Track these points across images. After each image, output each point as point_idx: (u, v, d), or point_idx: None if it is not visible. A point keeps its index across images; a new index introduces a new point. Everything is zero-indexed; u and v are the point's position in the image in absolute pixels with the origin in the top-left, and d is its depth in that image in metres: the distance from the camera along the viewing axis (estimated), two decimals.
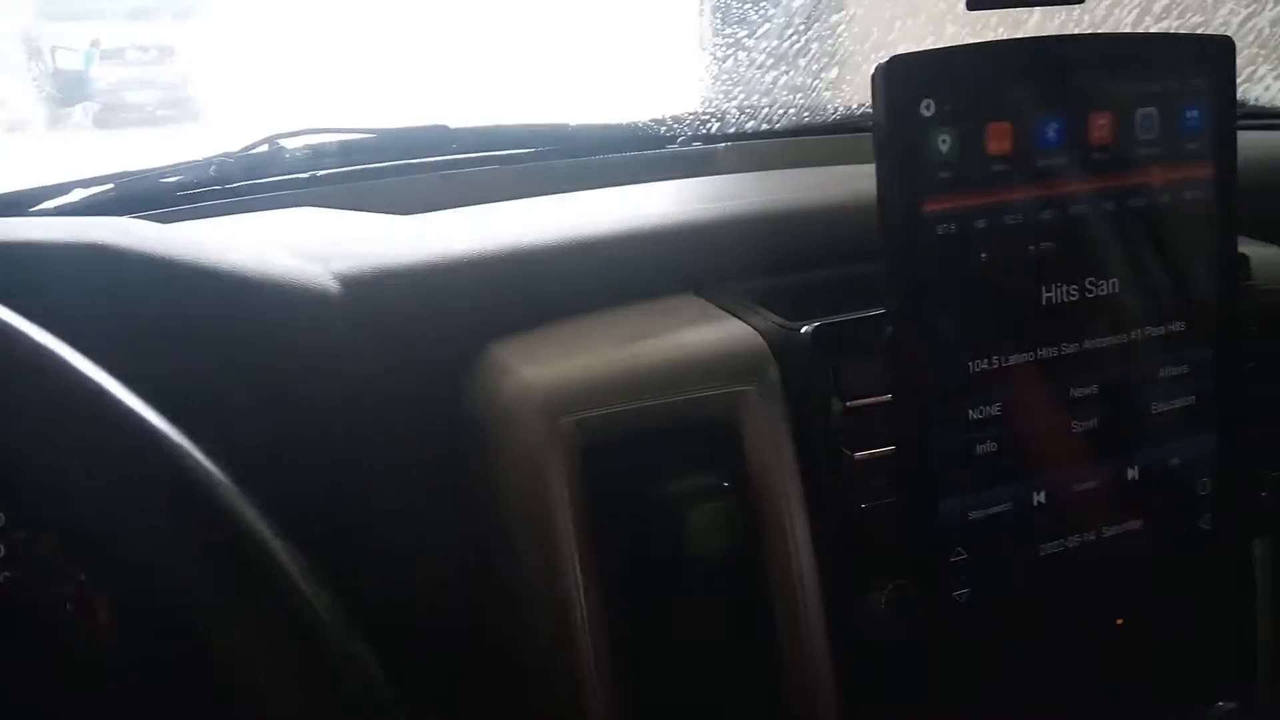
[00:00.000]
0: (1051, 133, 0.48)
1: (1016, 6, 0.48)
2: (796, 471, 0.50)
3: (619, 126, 0.99)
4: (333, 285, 0.51)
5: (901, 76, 0.45)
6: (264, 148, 0.85)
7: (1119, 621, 0.55)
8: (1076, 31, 0.70)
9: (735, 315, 0.53)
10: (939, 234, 0.47)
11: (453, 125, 0.92)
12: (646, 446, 0.48)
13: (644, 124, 0.99)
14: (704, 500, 0.48)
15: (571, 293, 0.56)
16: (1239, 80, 0.52)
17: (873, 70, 0.45)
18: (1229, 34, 0.51)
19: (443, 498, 0.52)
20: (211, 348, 0.48)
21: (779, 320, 0.52)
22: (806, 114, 1.01)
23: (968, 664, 0.51)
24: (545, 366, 0.50)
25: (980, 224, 0.47)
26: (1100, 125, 0.49)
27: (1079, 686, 0.55)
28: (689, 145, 0.99)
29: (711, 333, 0.52)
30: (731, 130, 1.00)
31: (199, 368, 0.45)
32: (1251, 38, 1.17)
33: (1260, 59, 1.07)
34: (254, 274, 0.51)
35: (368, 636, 0.33)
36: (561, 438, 0.47)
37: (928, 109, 0.46)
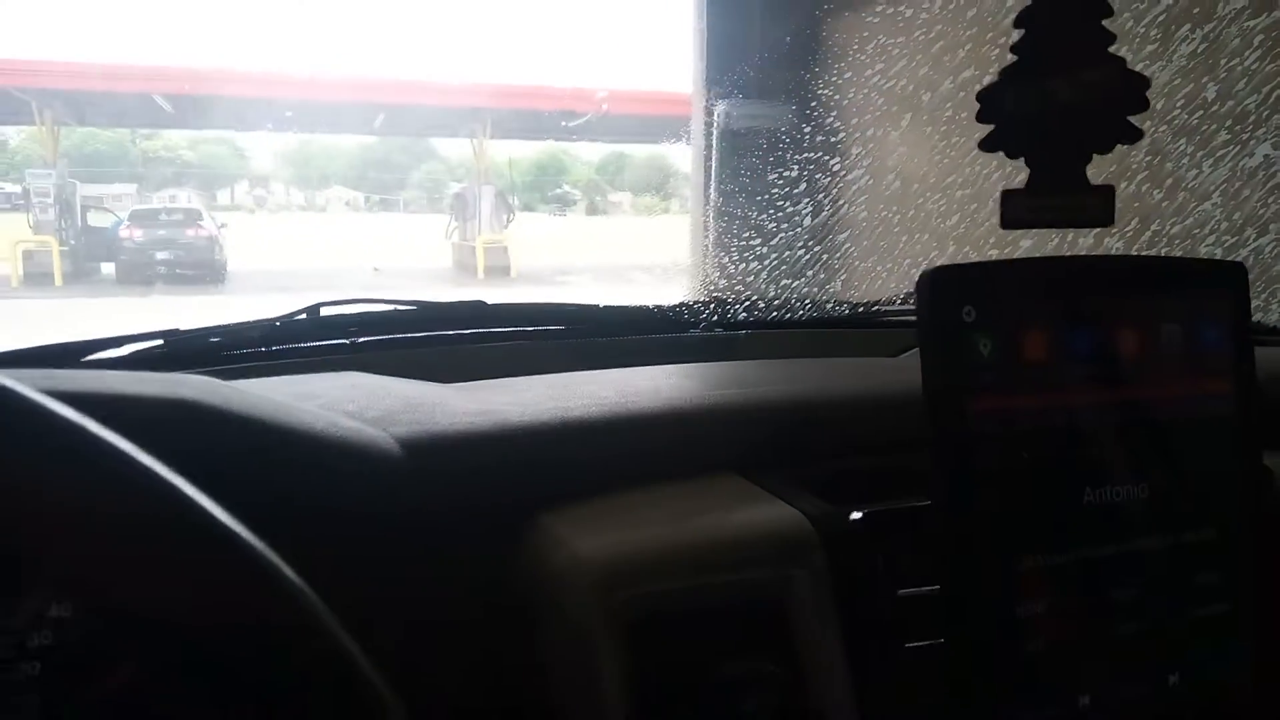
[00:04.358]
0: (1083, 343, 0.51)
1: (1048, 227, 0.53)
2: (845, 659, 0.49)
3: (644, 309, 1.04)
4: (394, 449, 0.53)
5: (945, 284, 0.49)
6: (307, 315, 0.89)
7: None
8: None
9: (780, 498, 0.55)
10: (983, 432, 0.49)
11: (489, 301, 0.97)
12: (695, 625, 0.48)
13: (667, 307, 1.05)
14: (755, 684, 0.47)
15: (617, 467, 0.58)
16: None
17: (919, 275, 0.48)
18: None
19: (488, 662, 0.51)
20: (281, 502, 0.48)
21: (825, 505, 0.54)
22: (815, 309, 1.07)
23: None
24: (599, 540, 0.50)
25: (1022, 425, 0.50)
26: (1127, 338, 0.52)
27: None
28: (711, 331, 1.04)
29: (759, 514, 0.54)
30: (749, 318, 1.06)
31: (268, 523, 0.46)
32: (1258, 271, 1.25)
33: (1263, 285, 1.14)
34: (324, 435, 0.52)
35: None
36: (615, 613, 0.47)
37: (969, 315, 0.49)
